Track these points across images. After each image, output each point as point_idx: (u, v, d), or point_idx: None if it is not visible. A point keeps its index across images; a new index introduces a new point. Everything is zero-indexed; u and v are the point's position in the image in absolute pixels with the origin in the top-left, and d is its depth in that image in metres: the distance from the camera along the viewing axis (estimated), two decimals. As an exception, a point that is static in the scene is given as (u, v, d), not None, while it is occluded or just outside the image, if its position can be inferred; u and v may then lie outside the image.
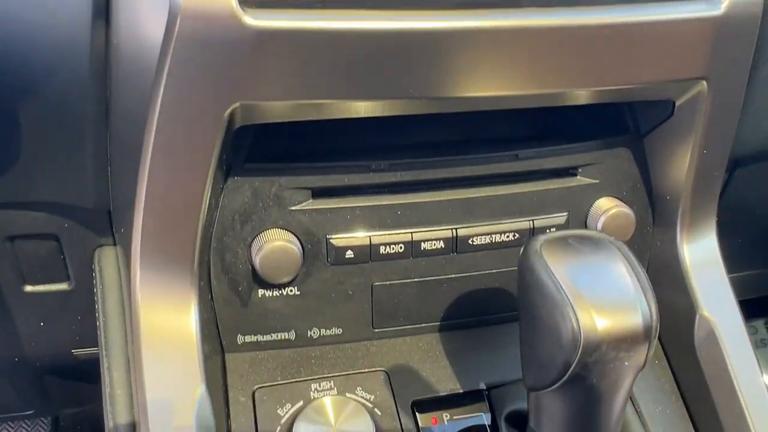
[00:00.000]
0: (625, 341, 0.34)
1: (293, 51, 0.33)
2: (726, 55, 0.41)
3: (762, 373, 0.45)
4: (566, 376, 0.35)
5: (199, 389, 0.40)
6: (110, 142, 0.44)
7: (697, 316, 0.47)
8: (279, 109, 0.36)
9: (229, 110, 0.36)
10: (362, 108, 0.39)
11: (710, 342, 0.46)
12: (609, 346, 0.34)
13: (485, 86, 0.38)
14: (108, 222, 0.51)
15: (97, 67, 0.41)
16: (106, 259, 0.52)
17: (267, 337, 0.47)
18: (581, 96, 0.42)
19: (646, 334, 0.35)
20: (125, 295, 0.49)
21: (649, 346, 0.35)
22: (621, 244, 0.38)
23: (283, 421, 0.43)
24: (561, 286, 0.35)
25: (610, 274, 0.36)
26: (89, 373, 0.62)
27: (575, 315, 0.34)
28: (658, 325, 0.35)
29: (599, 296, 0.35)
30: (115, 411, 0.44)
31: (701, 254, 0.49)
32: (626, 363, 0.35)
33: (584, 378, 0.35)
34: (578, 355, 0.34)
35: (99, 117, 0.43)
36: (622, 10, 0.39)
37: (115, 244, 0.53)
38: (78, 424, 1.01)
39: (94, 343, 0.52)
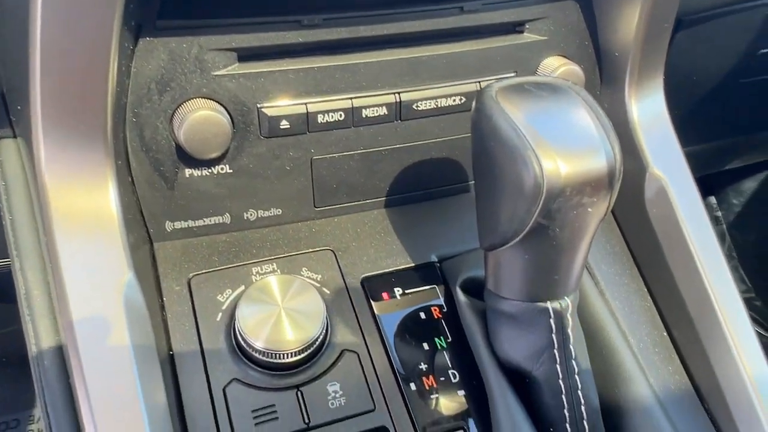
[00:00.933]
0: (589, 185, 0.32)
1: None
2: None
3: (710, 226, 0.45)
4: (528, 227, 0.33)
5: (126, 277, 0.36)
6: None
7: (647, 174, 0.46)
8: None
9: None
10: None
11: (661, 199, 0.45)
12: (573, 191, 0.32)
13: None
14: (3, 110, 0.45)
15: None
16: (6, 152, 0.46)
17: (199, 222, 0.43)
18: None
19: (610, 177, 0.33)
20: (32, 189, 0.44)
21: (612, 191, 0.33)
22: (580, 89, 0.36)
23: (224, 307, 0.40)
24: (520, 131, 0.32)
25: (571, 117, 0.34)
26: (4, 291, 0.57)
27: (537, 159, 0.31)
28: (622, 168, 0.33)
29: (561, 140, 0.33)
30: (34, 315, 0.39)
31: (649, 112, 0.48)
32: (590, 209, 0.33)
33: (546, 227, 0.33)
34: (541, 201, 0.32)
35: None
36: None
37: (15, 137, 0.47)
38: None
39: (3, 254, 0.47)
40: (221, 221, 0.43)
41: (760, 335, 1.20)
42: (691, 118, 0.69)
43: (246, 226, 0.44)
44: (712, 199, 1.36)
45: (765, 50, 0.68)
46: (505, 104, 0.34)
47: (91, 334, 0.34)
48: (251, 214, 0.44)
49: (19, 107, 0.41)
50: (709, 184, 1.34)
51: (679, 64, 0.57)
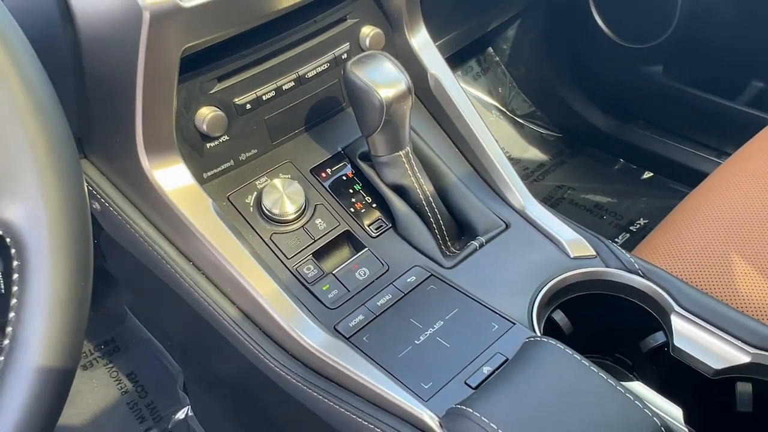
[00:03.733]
0: (401, 97, 0.74)
1: (214, 9, 0.65)
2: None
3: (470, 100, 0.89)
4: (382, 121, 0.74)
5: (211, 203, 0.74)
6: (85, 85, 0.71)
7: (428, 74, 0.89)
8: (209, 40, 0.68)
9: (179, 55, 0.66)
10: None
11: (437, 84, 0.88)
12: (395, 101, 0.74)
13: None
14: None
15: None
16: (88, 168, 0.80)
17: (218, 169, 0.80)
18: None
19: (408, 90, 0.74)
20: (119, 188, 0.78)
21: (411, 94, 0.75)
22: (384, 53, 0.77)
23: (252, 202, 0.79)
24: (366, 82, 0.73)
25: (386, 68, 0.75)
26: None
27: (378, 94, 0.73)
28: (412, 84, 0.75)
29: (384, 81, 0.74)
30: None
31: (421, 42, 0.90)
32: (405, 106, 0.75)
33: (389, 119, 0.75)
34: (384, 110, 0.73)
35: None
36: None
37: (85, 157, 0.80)
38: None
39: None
40: (229, 165, 0.81)
41: (543, 135, 1.78)
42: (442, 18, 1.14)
43: (241, 164, 0.81)
44: (490, 50, 1.84)
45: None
46: (356, 70, 0.74)
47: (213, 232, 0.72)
48: (242, 156, 0.81)
49: (102, 144, 0.75)
50: (486, 41, 1.81)
51: None
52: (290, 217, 0.77)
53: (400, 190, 0.80)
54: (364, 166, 0.82)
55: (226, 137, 0.78)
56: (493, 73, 1.83)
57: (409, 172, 0.79)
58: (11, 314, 0.44)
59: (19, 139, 0.41)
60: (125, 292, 1.38)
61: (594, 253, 0.77)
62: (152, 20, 0.62)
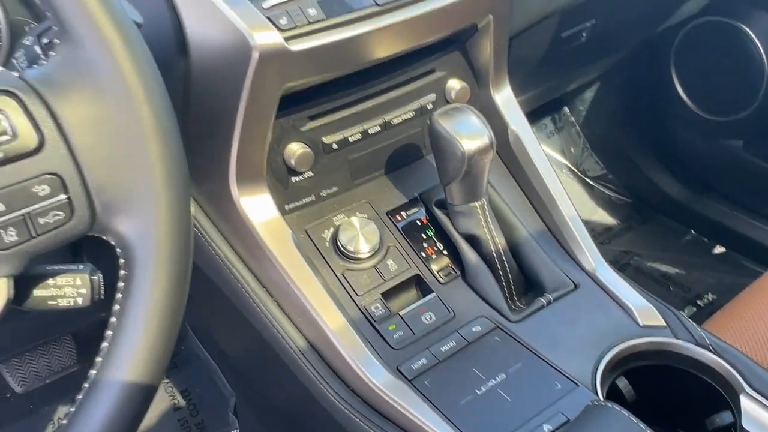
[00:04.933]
0: (483, 150, 0.76)
1: (318, 55, 0.69)
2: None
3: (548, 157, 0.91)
4: (462, 172, 0.77)
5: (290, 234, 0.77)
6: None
7: (509, 130, 0.91)
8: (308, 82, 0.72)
9: (280, 93, 0.71)
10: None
11: (517, 140, 0.90)
12: (476, 155, 0.76)
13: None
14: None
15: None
16: None
17: (299, 202, 0.84)
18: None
19: (490, 144, 0.77)
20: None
21: (493, 149, 0.77)
22: (470, 107, 0.79)
23: (328, 237, 0.82)
24: (451, 133, 0.76)
25: (470, 121, 0.78)
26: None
27: (461, 146, 0.75)
28: (495, 142, 0.77)
29: (468, 133, 0.76)
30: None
31: (505, 98, 0.92)
32: (485, 160, 0.77)
33: (468, 171, 0.77)
34: (465, 162, 0.75)
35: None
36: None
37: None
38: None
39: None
40: (310, 200, 0.84)
41: (613, 199, 1.78)
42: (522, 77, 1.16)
43: (322, 200, 0.85)
44: (566, 109, 1.86)
45: (566, 32, 1.15)
46: (442, 121, 0.77)
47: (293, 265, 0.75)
48: (323, 193, 0.85)
49: (189, 159, 0.80)
50: (563, 100, 1.83)
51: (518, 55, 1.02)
52: (363, 256, 0.80)
53: (472, 240, 0.82)
54: (439, 213, 0.84)
55: (311, 173, 0.82)
56: (567, 133, 1.84)
57: (483, 223, 0.81)
58: (112, 319, 0.47)
59: (143, 161, 0.45)
60: (189, 310, 1.42)
61: (664, 323, 0.77)
62: (260, 60, 0.66)
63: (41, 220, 0.43)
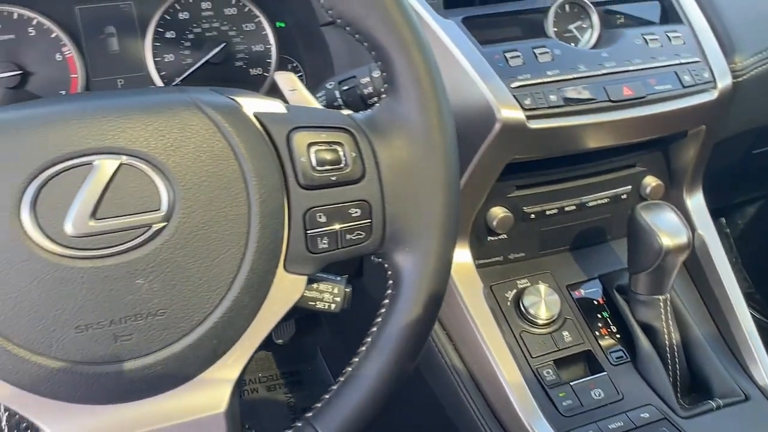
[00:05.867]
0: (681, 247, 0.80)
1: (550, 135, 0.77)
2: (715, 112, 0.87)
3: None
4: (655, 264, 0.81)
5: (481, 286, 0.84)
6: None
7: (696, 233, 0.94)
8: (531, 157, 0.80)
9: (506, 163, 0.79)
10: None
11: (702, 244, 0.93)
12: (674, 251, 0.80)
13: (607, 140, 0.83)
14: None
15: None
16: None
17: (489, 260, 0.91)
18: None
19: (688, 243, 0.81)
20: None
21: (688, 251, 0.81)
22: (670, 204, 0.84)
23: (511, 297, 0.88)
24: (651, 227, 0.81)
25: (669, 218, 0.82)
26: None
27: (660, 240, 0.80)
28: (693, 242, 0.82)
29: (667, 229, 0.81)
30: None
31: (696, 202, 0.96)
32: (679, 257, 0.81)
33: (661, 265, 0.81)
34: (662, 255, 0.80)
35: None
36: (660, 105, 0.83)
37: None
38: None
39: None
40: (499, 259, 0.92)
41: (758, 320, 1.72)
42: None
43: (509, 262, 0.92)
44: (723, 220, 1.83)
45: (757, 149, 1.17)
46: (644, 213, 0.82)
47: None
48: (512, 256, 0.92)
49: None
50: (722, 211, 1.81)
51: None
52: (542, 322, 0.85)
53: (648, 330, 0.85)
54: (618, 298, 0.89)
55: (505, 236, 0.89)
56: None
57: (663, 316, 0.84)
58: (373, 328, 0.56)
59: (431, 206, 0.53)
60: (322, 334, 1.51)
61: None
62: (501, 131, 0.75)
63: (348, 236, 0.53)
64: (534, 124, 0.76)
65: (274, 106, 0.53)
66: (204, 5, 0.90)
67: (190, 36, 0.89)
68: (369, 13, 0.52)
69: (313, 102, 0.59)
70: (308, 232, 0.52)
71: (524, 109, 0.75)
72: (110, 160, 0.46)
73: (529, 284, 0.89)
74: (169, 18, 0.88)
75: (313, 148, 0.51)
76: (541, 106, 0.76)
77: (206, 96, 0.51)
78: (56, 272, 0.45)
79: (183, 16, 0.89)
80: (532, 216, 0.89)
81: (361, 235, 0.53)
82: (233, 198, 0.49)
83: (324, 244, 0.52)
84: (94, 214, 0.46)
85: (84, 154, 0.46)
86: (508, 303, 0.87)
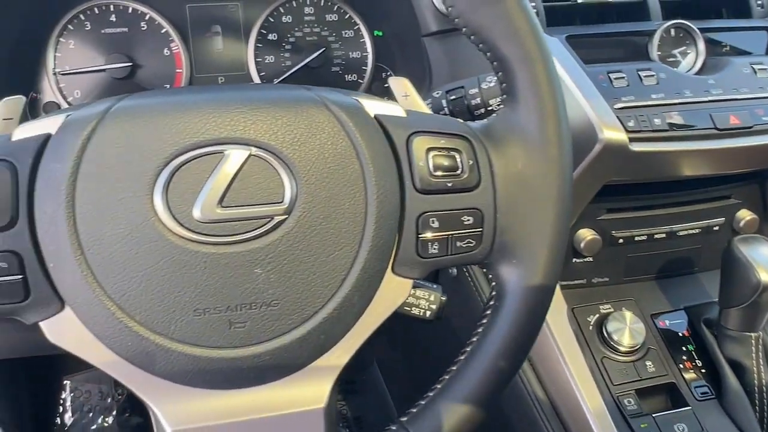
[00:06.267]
0: (780, 284, 0.78)
1: (651, 159, 0.76)
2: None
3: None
4: (751, 300, 0.78)
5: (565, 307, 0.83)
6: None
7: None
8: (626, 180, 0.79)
9: (602, 184, 0.78)
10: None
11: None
12: (771, 287, 0.77)
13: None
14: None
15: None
16: None
17: (572, 282, 0.90)
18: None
19: (784, 279, 0.78)
20: None
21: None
22: (765, 239, 0.81)
23: (593, 322, 0.86)
24: (749, 261, 0.78)
25: (765, 251, 0.80)
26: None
27: (757, 274, 0.77)
28: (792, 278, 0.79)
29: (765, 264, 0.78)
30: None
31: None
32: (777, 294, 0.79)
33: (756, 301, 0.78)
34: (759, 290, 0.77)
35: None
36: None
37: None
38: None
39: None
40: (582, 282, 0.90)
41: None
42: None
43: (591, 285, 0.90)
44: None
45: None
46: (741, 246, 0.80)
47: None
48: (595, 280, 0.90)
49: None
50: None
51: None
52: (625, 349, 0.83)
53: (737, 367, 0.82)
54: (705, 332, 0.86)
55: (590, 259, 0.88)
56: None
57: (753, 354, 0.81)
58: (473, 338, 0.55)
59: (542, 221, 0.53)
60: (380, 344, 1.51)
61: None
62: (602, 151, 0.74)
63: (458, 243, 0.53)
64: (636, 147, 0.75)
65: (394, 109, 0.54)
66: (307, 10, 0.92)
67: (291, 39, 0.91)
68: (495, 23, 0.52)
69: (425, 108, 0.59)
70: (420, 236, 0.52)
71: (627, 131, 0.74)
72: (240, 151, 0.48)
73: (612, 310, 0.87)
74: (272, 21, 0.91)
75: (431, 153, 0.52)
76: (645, 129, 0.75)
77: (332, 95, 0.52)
78: (181, 255, 0.46)
79: (286, 19, 0.91)
80: (620, 240, 0.87)
81: (471, 243, 0.53)
82: (352, 196, 0.49)
83: (434, 249, 0.52)
84: (221, 202, 0.47)
85: (217, 142, 0.47)
86: (590, 327, 0.86)
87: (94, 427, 1.34)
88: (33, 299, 0.46)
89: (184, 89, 0.53)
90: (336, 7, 0.92)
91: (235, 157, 0.47)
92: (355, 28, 0.93)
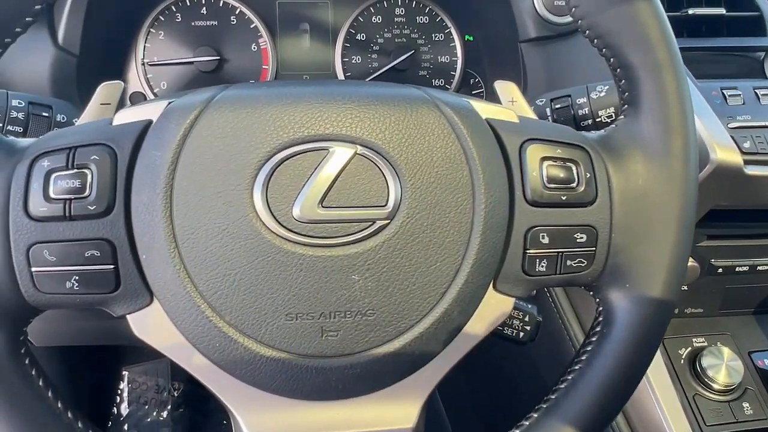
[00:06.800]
0: None
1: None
2: None
3: None
4: None
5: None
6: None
7: None
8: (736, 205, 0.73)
9: (709, 208, 0.72)
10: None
11: None
12: None
13: None
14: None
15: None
16: None
17: (662, 311, 0.84)
18: None
19: None
20: None
21: None
22: None
23: (685, 355, 0.80)
24: None
25: None
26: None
27: None
28: None
29: None
30: None
31: None
32: None
33: None
34: None
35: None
36: None
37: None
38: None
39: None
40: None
41: None
42: None
43: (685, 316, 0.84)
44: None
45: None
46: None
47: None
48: (688, 311, 0.84)
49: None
50: None
51: None
52: (720, 387, 0.77)
53: None
54: (807, 373, 0.79)
55: (685, 287, 0.82)
56: None
57: None
58: (578, 365, 0.51)
59: (661, 243, 0.48)
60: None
61: None
62: (713, 173, 0.68)
63: (568, 262, 0.48)
64: (751, 170, 0.69)
65: (506, 113, 0.50)
66: (397, 11, 0.89)
67: (380, 40, 0.89)
68: (623, 27, 0.47)
69: (533, 116, 0.55)
70: (527, 251, 0.48)
71: (742, 153, 0.68)
72: (345, 148, 0.45)
73: (706, 344, 0.81)
74: (362, 20, 0.88)
75: (546, 163, 0.48)
76: (763, 152, 0.69)
77: (443, 95, 0.48)
78: (277, 255, 0.44)
79: (376, 20, 0.89)
80: (720, 270, 0.81)
81: (582, 263, 0.49)
82: (459, 204, 0.46)
83: (542, 267, 0.48)
84: (322, 202, 0.44)
85: (322, 138, 0.45)
86: (681, 361, 0.80)
87: (148, 420, 1.33)
88: (122, 291, 0.44)
89: (289, 82, 0.51)
90: (428, 8, 0.89)
91: (340, 155, 0.45)
92: (446, 31, 0.90)
